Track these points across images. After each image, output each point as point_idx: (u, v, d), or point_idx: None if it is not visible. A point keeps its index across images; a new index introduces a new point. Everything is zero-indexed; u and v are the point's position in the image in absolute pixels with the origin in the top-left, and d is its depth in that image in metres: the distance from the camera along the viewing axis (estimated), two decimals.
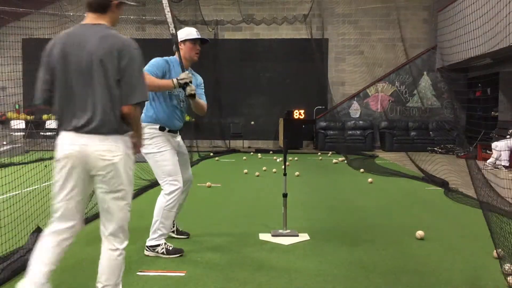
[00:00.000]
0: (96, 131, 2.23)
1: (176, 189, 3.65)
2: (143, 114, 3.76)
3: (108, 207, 2.32)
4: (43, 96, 2.32)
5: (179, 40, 3.67)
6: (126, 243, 2.40)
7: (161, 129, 3.70)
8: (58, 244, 2.29)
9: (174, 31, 3.49)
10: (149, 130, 3.70)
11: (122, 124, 2.29)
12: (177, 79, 3.49)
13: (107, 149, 2.23)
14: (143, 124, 3.71)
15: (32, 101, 2.36)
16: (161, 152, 3.66)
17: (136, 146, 2.45)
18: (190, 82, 3.50)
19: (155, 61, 3.64)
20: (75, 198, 2.32)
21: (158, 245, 3.62)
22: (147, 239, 3.65)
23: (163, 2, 3.44)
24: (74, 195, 2.31)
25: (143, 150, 3.74)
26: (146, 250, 3.64)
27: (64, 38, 2.29)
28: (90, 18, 2.32)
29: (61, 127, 2.31)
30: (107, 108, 2.23)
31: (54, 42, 2.31)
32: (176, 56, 3.66)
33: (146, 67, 3.50)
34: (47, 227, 2.38)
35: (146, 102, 3.73)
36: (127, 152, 2.32)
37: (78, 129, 2.24)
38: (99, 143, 2.23)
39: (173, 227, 4.13)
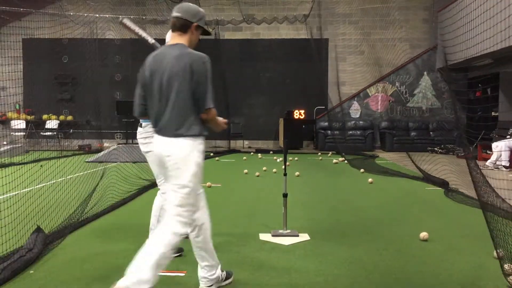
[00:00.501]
0: (167, 134, 2.64)
1: None
2: None
3: (169, 193, 2.70)
4: (139, 109, 2.80)
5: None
6: (181, 230, 2.65)
7: None
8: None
9: (153, 41, 3.67)
10: (150, 129, 3.70)
11: (191, 129, 2.65)
12: None
13: (173, 149, 2.63)
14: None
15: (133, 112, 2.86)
16: None
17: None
18: None
19: None
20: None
21: None
22: (147, 240, 3.64)
23: (130, 26, 3.74)
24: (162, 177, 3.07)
25: (143, 149, 3.75)
26: None
27: (152, 58, 2.72)
28: (172, 38, 2.75)
29: (154, 130, 2.76)
30: (179, 117, 2.63)
31: (146, 61, 2.75)
32: None
33: None
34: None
35: None
36: (191, 153, 2.65)
37: (158, 132, 2.70)
38: (168, 143, 2.64)
39: None
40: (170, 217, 2.65)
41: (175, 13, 2.70)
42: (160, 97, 2.63)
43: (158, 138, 2.70)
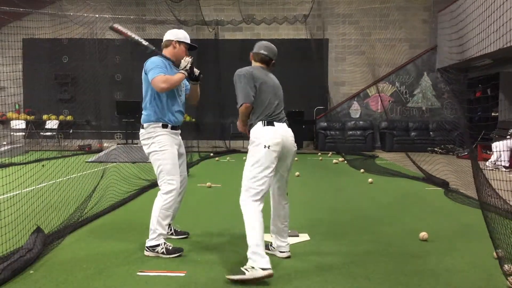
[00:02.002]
0: (287, 124, 3.60)
1: (173, 189, 3.67)
2: (144, 116, 3.77)
3: (286, 176, 3.75)
4: (251, 99, 3.53)
5: (176, 39, 3.83)
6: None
7: (164, 126, 3.73)
8: None
9: (146, 43, 3.80)
10: (152, 130, 3.71)
11: None
12: (183, 68, 3.69)
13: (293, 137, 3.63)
14: (145, 125, 3.74)
15: (243, 100, 3.54)
16: (163, 151, 3.68)
17: None
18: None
19: (158, 62, 3.72)
20: (272, 176, 3.56)
21: (158, 245, 3.61)
22: (147, 240, 3.65)
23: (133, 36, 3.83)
24: (273, 173, 3.56)
25: (146, 150, 3.76)
26: (146, 250, 3.63)
27: (265, 75, 3.67)
28: (261, 64, 3.79)
29: (267, 121, 3.50)
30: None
31: (252, 71, 3.65)
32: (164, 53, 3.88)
33: (157, 71, 3.62)
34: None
35: (144, 103, 3.78)
36: None
37: (280, 120, 3.54)
38: (291, 132, 3.59)
39: (170, 230, 4.12)
40: (283, 195, 3.84)
41: (266, 53, 3.75)
42: (277, 97, 3.64)
43: (283, 125, 3.53)
